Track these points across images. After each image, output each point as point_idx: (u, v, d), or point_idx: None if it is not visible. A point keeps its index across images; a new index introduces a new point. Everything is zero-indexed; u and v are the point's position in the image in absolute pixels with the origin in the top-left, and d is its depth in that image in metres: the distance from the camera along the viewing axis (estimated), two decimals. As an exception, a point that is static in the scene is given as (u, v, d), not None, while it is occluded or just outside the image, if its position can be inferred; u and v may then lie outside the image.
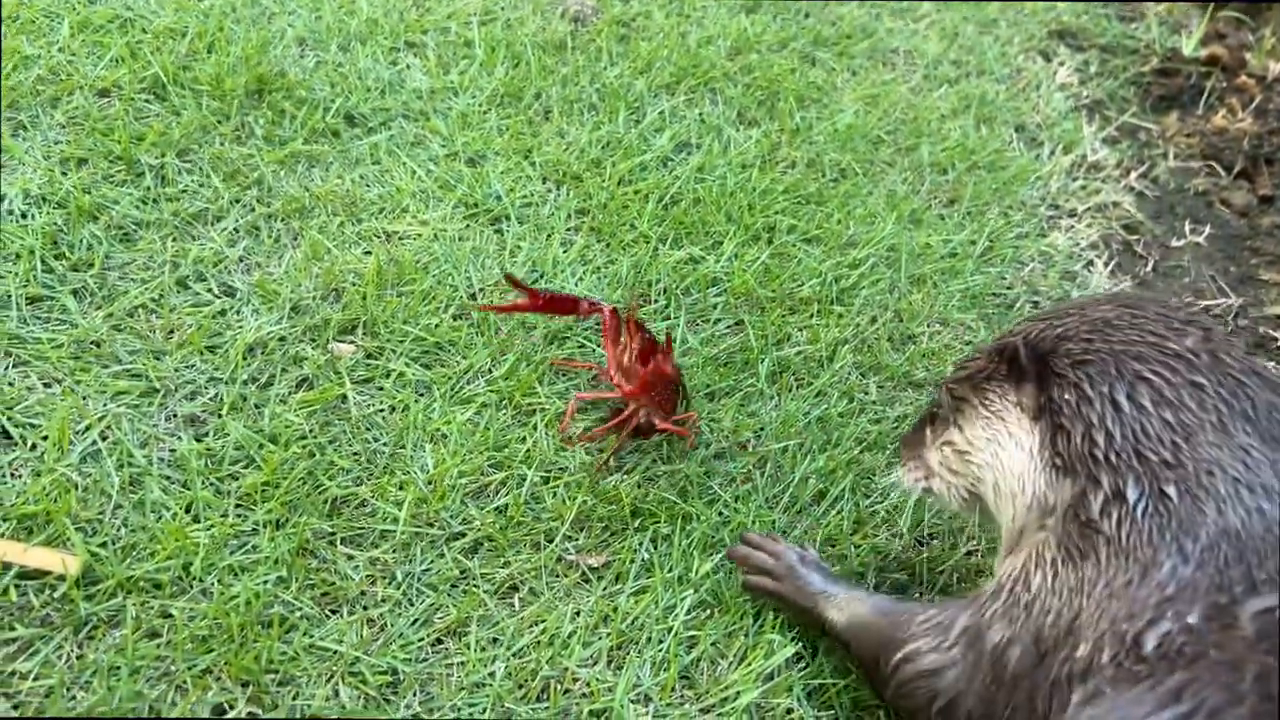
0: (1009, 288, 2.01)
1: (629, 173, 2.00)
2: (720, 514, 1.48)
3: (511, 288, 1.54)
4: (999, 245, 2.07)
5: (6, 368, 1.47)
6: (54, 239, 1.65)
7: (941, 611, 1.21)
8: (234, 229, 1.74)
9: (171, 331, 1.58)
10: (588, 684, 1.27)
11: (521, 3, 2.41)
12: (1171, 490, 1.06)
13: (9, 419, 1.40)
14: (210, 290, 1.64)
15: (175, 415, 1.47)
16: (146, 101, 1.92)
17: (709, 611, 1.37)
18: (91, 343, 1.53)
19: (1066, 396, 1.16)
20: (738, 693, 1.28)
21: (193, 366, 1.53)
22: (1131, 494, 1.08)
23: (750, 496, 1.52)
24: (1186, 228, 2.25)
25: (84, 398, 1.45)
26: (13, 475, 1.35)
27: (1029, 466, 1.19)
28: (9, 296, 1.54)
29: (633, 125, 2.12)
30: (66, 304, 1.57)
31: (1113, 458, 1.10)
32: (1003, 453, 1.23)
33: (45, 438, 1.39)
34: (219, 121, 1.91)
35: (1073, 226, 2.18)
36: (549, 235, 1.85)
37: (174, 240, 1.70)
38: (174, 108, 1.91)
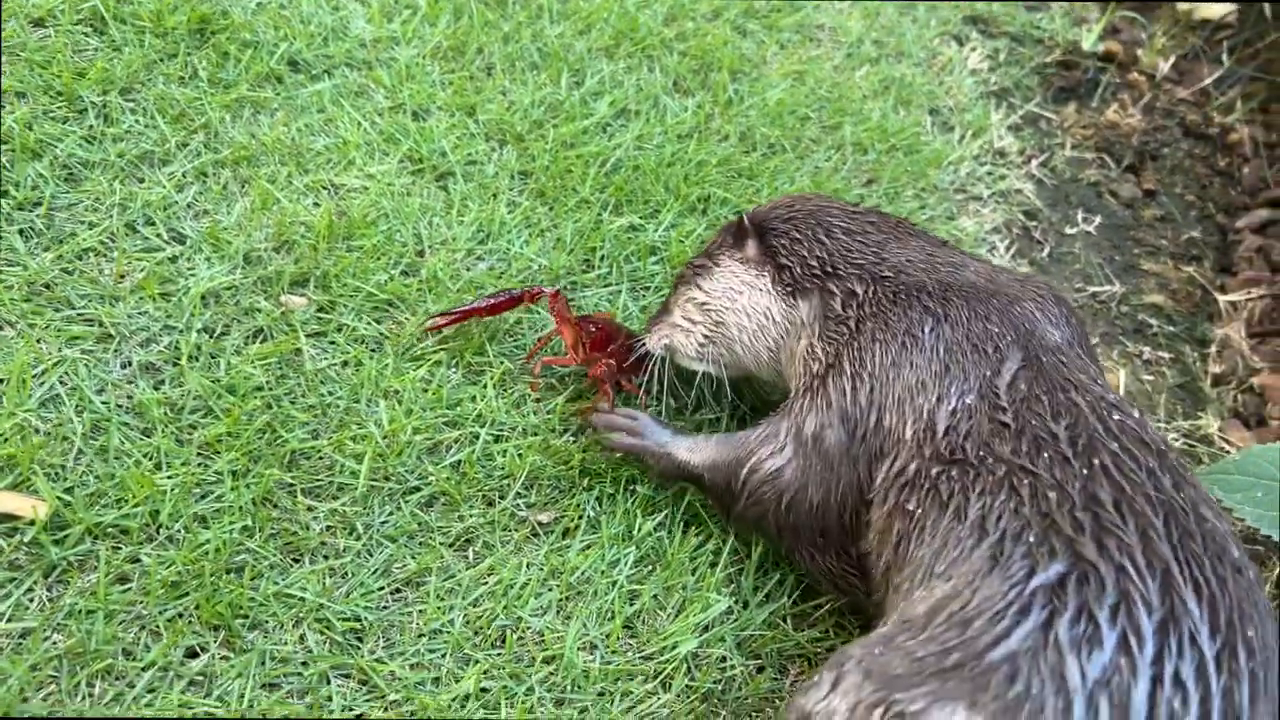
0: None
1: (571, 137, 2.06)
2: (659, 481, 1.58)
3: (446, 322, 1.63)
4: (913, 226, 2.20)
5: (-44, 308, 1.47)
6: (-4, 176, 1.63)
7: (768, 424, 1.47)
8: (182, 174, 1.74)
9: (123, 276, 1.59)
10: (540, 633, 1.37)
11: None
12: (889, 275, 1.45)
13: (-37, 361, 1.41)
14: (160, 236, 1.65)
15: (131, 363, 1.49)
16: (84, 35, 1.89)
17: (651, 567, 1.48)
18: (43, 285, 1.53)
19: (782, 241, 1.56)
20: (676, 643, 1.40)
21: (145, 313, 1.55)
22: (859, 289, 1.46)
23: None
24: (1079, 216, 2.43)
25: (39, 341, 1.46)
26: (-30, 418, 1.37)
27: (769, 300, 1.56)
28: (-44, 235, 1.53)
29: (574, 88, 2.17)
30: (14, 244, 1.56)
31: (831, 269, 1.50)
32: (740, 297, 1.59)
33: (3, 381, 1.40)
34: (162, 60, 1.89)
35: (979, 211, 2.33)
36: (494, 195, 1.90)
37: (121, 182, 1.70)
38: (114, 43, 1.89)
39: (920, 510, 1.19)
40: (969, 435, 1.22)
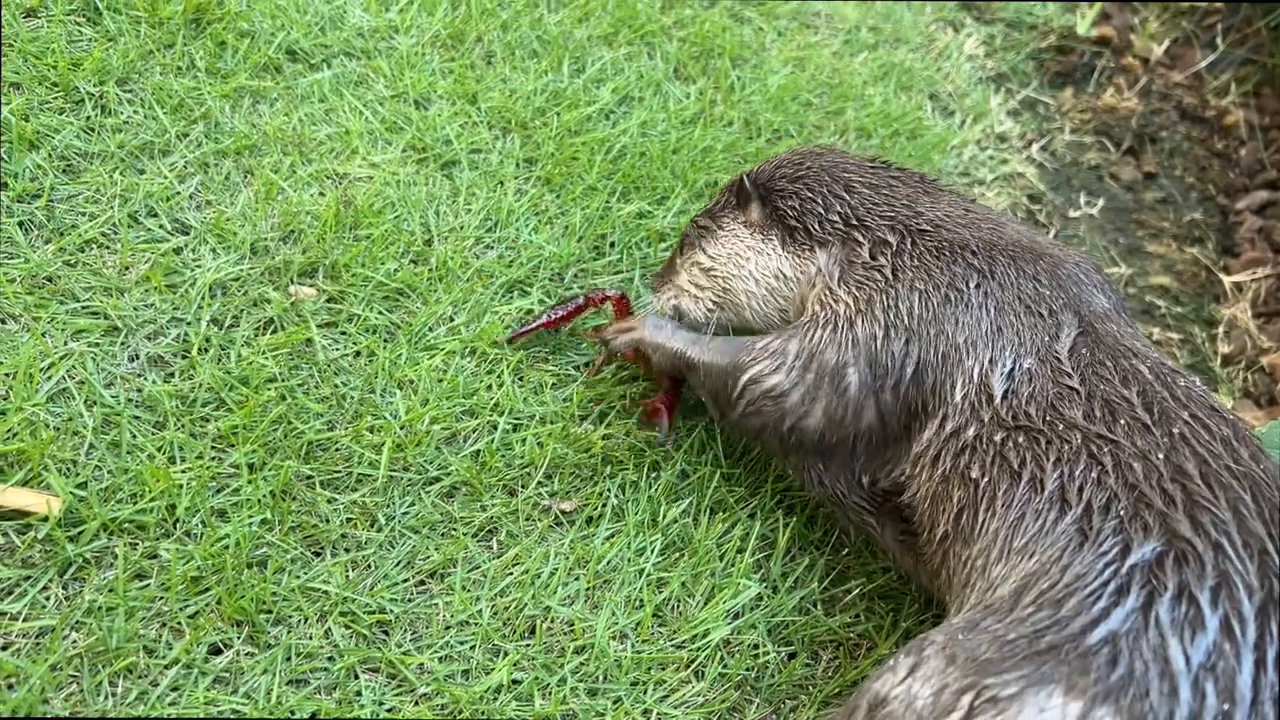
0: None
1: (575, 124, 2.03)
2: (682, 468, 1.56)
3: (520, 335, 1.62)
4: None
5: (-43, 301, 1.42)
6: (-6, 167, 1.58)
7: (776, 339, 1.43)
8: (183, 164, 1.70)
9: (126, 268, 1.55)
10: (569, 622, 1.34)
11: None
12: (927, 229, 1.39)
13: (-33, 356, 1.36)
14: (163, 227, 1.61)
15: (139, 356, 1.45)
16: (78, 25, 1.84)
17: (678, 554, 1.45)
18: (45, 278, 1.49)
19: (790, 204, 1.50)
20: (707, 630, 1.37)
21: (152, 305, 1.51)
22: (893, 239, 1.40)
23: (708, 447, 1.60)
24: (1082, 199, 2.43)
25: (44, 334, 1.42)
26: (-23, 414, 1.32)
27: (778, 262, 1.52)
28: (-46, 227, 1.48)
29: (576, 75, 2.14)
30: (14, 236, 1.52)
31: (856, 221, 1.44)
32: (746, 263, 1.55)
33: (10, 375, 1.36)
34: (158, 50, 1.85)
35: (984, 195, 2.32)
36: (500, 184, 1.87)
37: (121, 174, 1.65)
38: (108, 33, 1.84)
39: (987, 479, 1.17)
40: (1032, 400, 1.19)
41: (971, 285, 1.31)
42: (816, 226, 1.48)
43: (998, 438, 1.18)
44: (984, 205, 1.52)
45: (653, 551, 1.43)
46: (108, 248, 1.56)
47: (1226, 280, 2.30)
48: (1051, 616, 0.97)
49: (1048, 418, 1.16)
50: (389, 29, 2.10)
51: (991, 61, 2.74)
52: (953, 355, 1.28)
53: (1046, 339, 1.25)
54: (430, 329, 1.61)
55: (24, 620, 1.17)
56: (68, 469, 1.30)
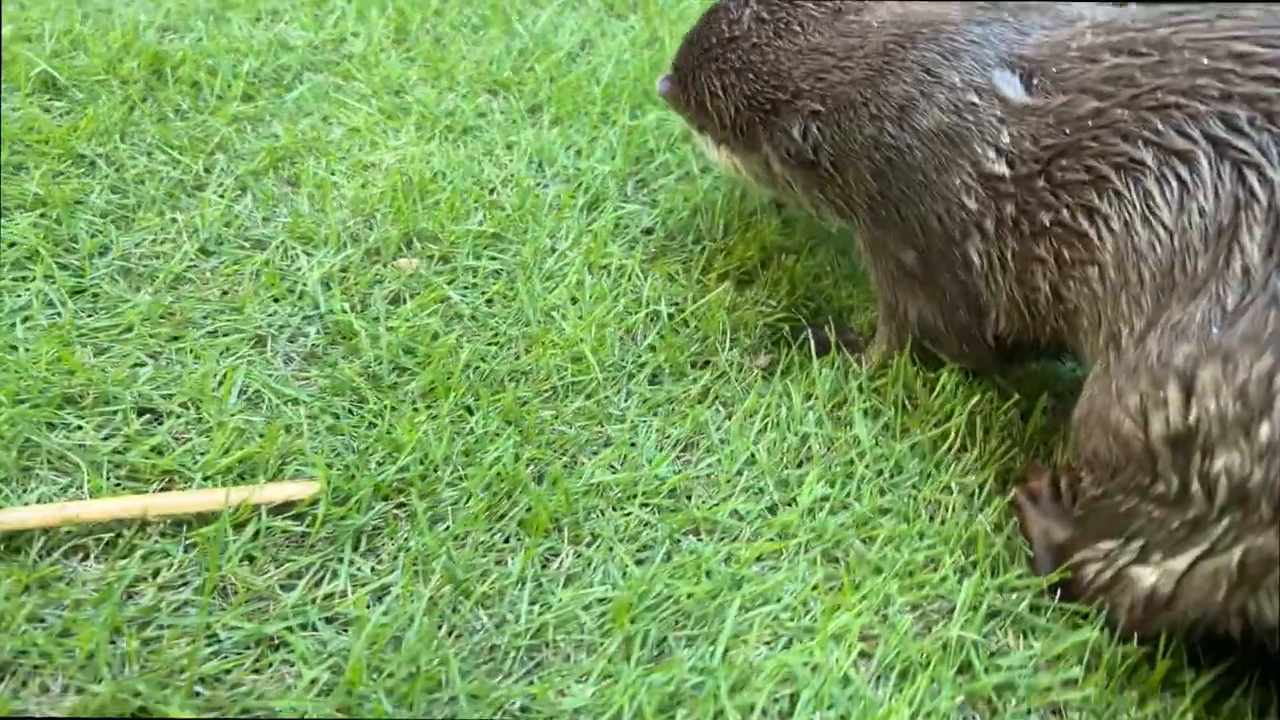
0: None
1: (554, 70, 2.04)
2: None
3: None
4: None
5: (95, 354, 1.32)
6: (51, 237, 1.48)
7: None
8: (225, 190, 1.63)
9: (225, 292, 1.47)
10: (831, 438, 1.35)
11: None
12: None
13: (138, 395, 1.26)
14: (241, 247, 1.54)
15: (292, 357, 1.39)
16: (48, 99, 1.74)
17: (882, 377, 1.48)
18: (160, 317, 1.40)
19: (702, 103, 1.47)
20: (952, 410, 1.40)
21: (275, 313, 1.44)
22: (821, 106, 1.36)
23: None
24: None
25: (195, 358, 1.33)
26: (180, 440, 1.23)
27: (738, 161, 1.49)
28: (47, 296, 1.38)
29: (530, 31, 2.16)
30: (107, 290, 1.42)
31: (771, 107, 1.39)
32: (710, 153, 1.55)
33: (192, 403, 1.27)
34: (139, 103, 1.76)
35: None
36: (521, 133, 1.86)
37: (170, 214, 1.57)
38: (79, 101, 1.74)
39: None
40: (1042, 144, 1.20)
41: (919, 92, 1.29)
42: (735, 130, 1.48)
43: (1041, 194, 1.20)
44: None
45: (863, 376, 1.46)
46: (201, 280, 1.48)
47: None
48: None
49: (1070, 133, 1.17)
50: (335, 40, 2.07)
51: None
52: (935, 153, 1.28)
53: (998, 112, 1.24)
54: (541, 263, 1.59)
55: (357, 589, 1.10)
56: (302, 459, 1.22)
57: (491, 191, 1.72)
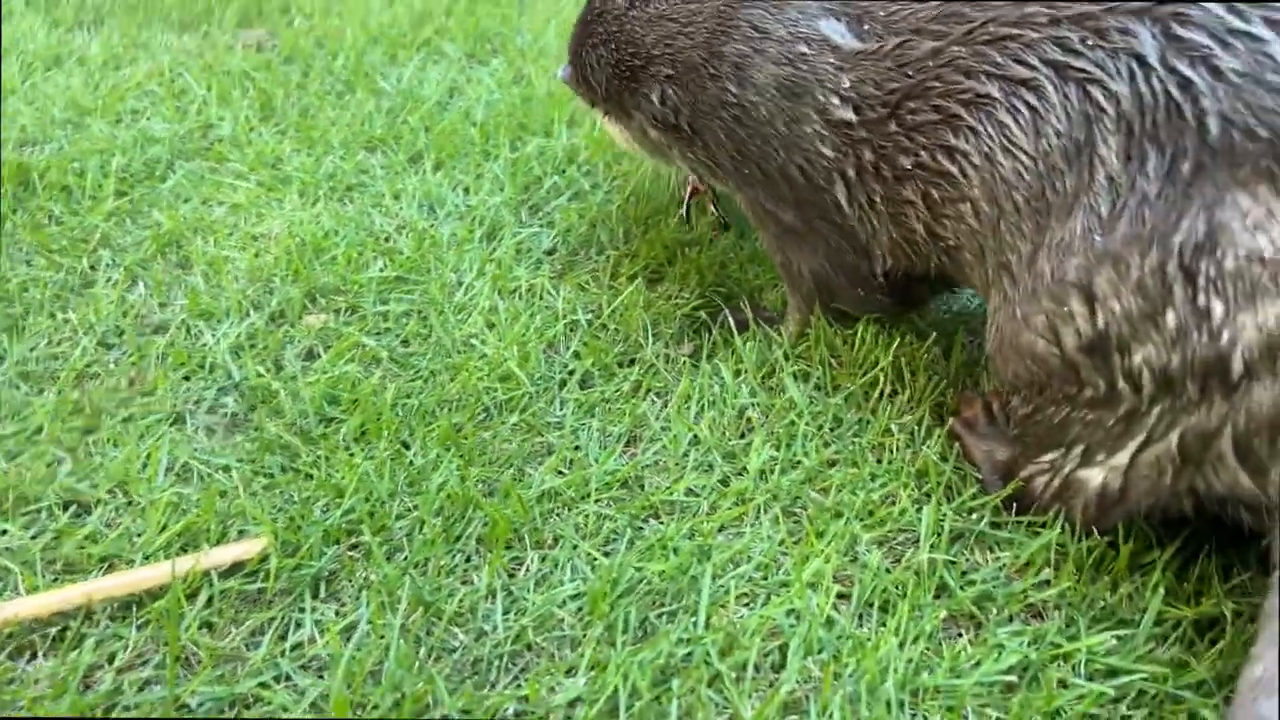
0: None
1: (427, 119, 2.05)
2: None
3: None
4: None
5: (7, 460, 1.27)
6: (-61, 355, 1.42)
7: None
8: (115, 282, 1.59)
9: (131, 382, 1.43)
10: (768, 406, 1.36)
11: (201, 52, 2.36)
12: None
13: (60, 490, 1.22)
14: (142, 334, 1.50)
15: (214, 429, 1.35)
16: (-87, 226, 1.68)
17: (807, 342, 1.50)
18: (70, 413, 1.35)
19: (585, 78, 1.51)
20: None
21: (189, 389, 1.40)
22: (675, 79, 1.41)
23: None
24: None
25: (114, 445, 1.29)
26: (113, 526, 1.18)
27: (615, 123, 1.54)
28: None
29: (395, 88, 2.17)
30: (8, 396, 1.37)
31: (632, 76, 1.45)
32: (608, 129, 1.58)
33: (118, 488, 1.23)
34: (11, 214, 1.72)
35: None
36: (407, 179, 1.86)
37: (61, 314, 1.52)
38: (-53, 223, 1.69)
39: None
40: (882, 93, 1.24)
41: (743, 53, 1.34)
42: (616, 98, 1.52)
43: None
44: None
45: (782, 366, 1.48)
46: (106, 372, 1.43)
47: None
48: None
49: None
50: (201, 126, 2.05)
51: None
52: (776, 112, 1.32)
53: (832, 60, 1.28)
54: (450, 297, 1.58)
55: (326, 633, 1.06)
56: (241, 519, 1.19)
57: (387, 239, 1.71)
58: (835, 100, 1.26)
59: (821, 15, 1.28)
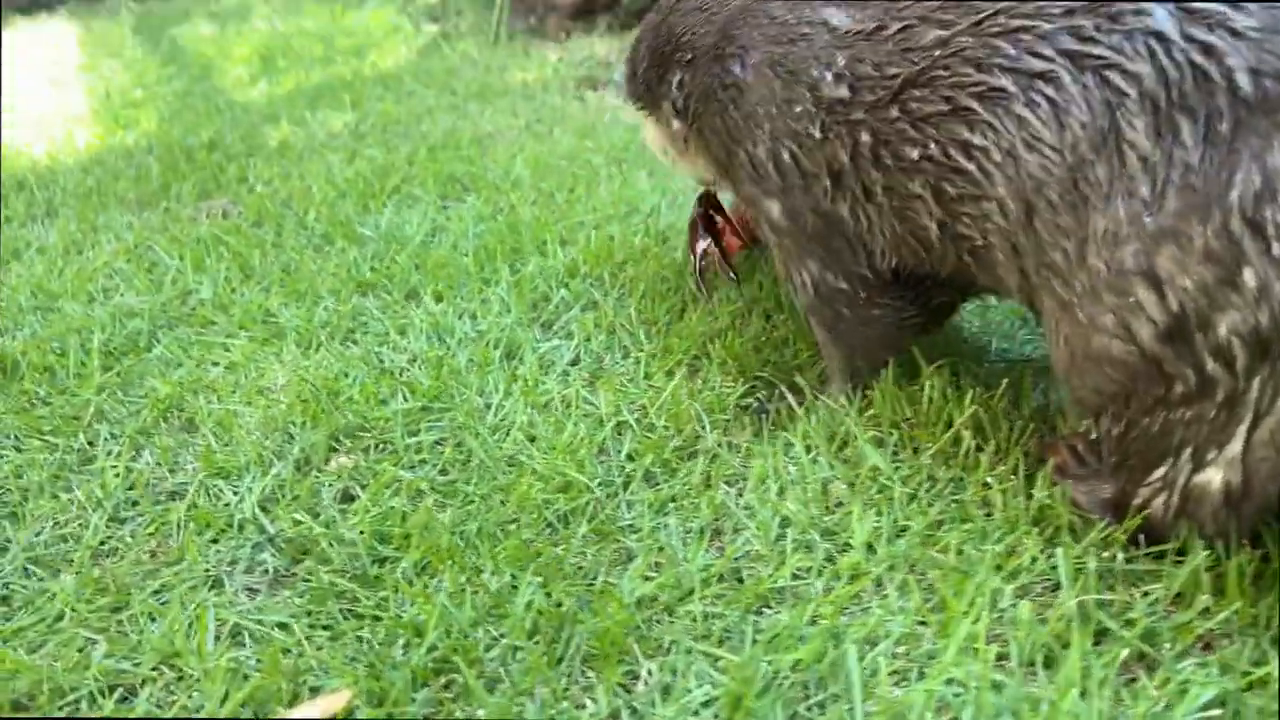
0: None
1: (417, 256, 2.00)
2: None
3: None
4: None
5: (29, 652, 1.12)
6: (-65, 553, 1.28)
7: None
8: (116, 455, 1.47)
9: (153, 553, 1.30)
10: (850, 478, 1.28)
11: (165, 226, 2.30)
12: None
13: (98, 675, 1.08)
14: (157, 503, 1.38)
15: (256, 589, 1.22)
16: (-113, 426, 1.55)
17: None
18: (93, 593, 1.21)
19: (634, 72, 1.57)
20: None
21: (219, 553, 1.28)
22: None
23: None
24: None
25: (151, 619, 1.16)
26: (164, 706, 1.04)
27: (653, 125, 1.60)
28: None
29: (376, 231, 2.12)
30: (20, 586, 1.23)
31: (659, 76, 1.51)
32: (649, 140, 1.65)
33: (164, 663, 1.09)
34: (-5, 402, 1.60)
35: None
36: (414, 309, 1.79)
37: (69, 491, 1.40)
38: (-77, 419, 1.57)
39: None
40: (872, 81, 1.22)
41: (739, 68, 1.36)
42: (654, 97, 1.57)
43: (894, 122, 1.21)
44: None
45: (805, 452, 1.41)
46: (124, 546, 1.30)
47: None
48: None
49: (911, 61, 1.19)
50: (180, 294, 1.97)
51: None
52: (764, 115, 1.34)
53: (827, 38, 1.28)
54: (482, 419, 1.48)
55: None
56: (316, 672, 1.06)
57: (402, 373, 1.62)
58: (828, 76, 1.24)
59: (830, 3, 1.28)
